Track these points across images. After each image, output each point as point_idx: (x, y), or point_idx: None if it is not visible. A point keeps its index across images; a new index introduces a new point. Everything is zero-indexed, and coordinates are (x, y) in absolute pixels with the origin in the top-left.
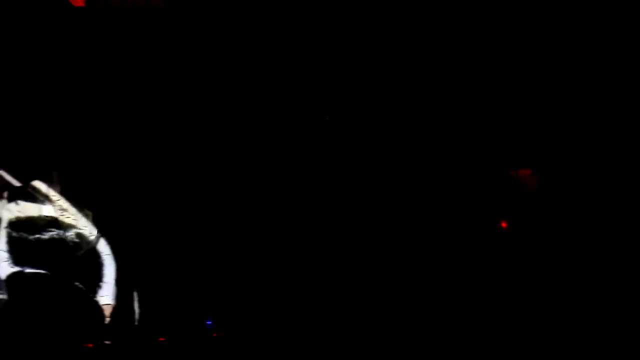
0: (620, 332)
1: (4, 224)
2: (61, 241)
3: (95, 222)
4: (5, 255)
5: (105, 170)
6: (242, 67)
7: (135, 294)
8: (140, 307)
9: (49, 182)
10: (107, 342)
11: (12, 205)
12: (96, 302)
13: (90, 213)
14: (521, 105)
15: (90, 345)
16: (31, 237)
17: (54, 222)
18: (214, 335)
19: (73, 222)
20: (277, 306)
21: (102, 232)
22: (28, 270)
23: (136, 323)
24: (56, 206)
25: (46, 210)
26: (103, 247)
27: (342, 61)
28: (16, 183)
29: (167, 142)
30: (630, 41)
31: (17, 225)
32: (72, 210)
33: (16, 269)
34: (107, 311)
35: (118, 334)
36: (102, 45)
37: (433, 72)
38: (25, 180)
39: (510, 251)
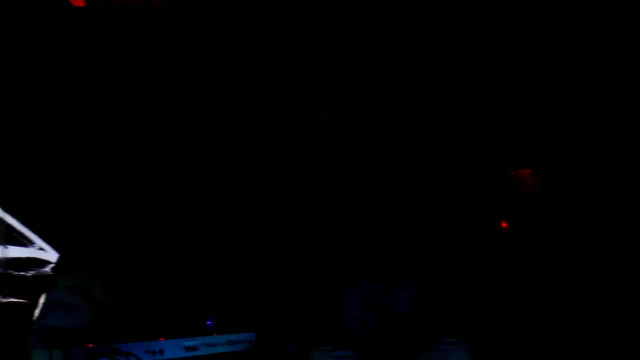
0: (620, 332)
1: None
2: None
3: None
4: None
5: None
6: (242, 67)
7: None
8: (140, 307)
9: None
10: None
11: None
12: None
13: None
14: (521, 105)
15: (91, 345)
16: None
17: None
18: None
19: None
20: (276, 305)
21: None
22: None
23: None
24: (36, 246)
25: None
26: None
27: (342, 61)
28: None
29: (167, 142)
30: (630, 41)
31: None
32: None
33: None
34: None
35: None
36: (102, 45)
37: (433, 72)
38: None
39: (510, 251)
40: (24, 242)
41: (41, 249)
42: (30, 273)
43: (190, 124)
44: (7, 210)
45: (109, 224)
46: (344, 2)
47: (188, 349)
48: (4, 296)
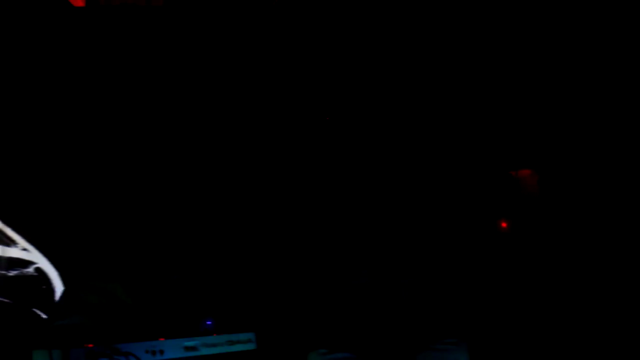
0: (620, 332)
1: None
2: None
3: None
4: None
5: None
6: (242, 67)
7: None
8: (140, 307)
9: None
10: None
11: None
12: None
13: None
14: (521, 105)
15: (91, 345)
16: None
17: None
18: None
19: (34, 259)
20: (276, 305)
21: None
22: None
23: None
24: (19, 246)
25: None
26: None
27: (341, 61)
28: None
29: (167, 142)
30: (630, 41)
31: None
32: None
33: None
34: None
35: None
36: (102, 45)
37: (433, 72)
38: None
39: (510, 251)
40: (7, 242)
41: (25, 249)
42: (12, 273)
43: (191, 124)
44: None
45: (104, 226)
46: (344, 2)
47: (188, 349)
48: None
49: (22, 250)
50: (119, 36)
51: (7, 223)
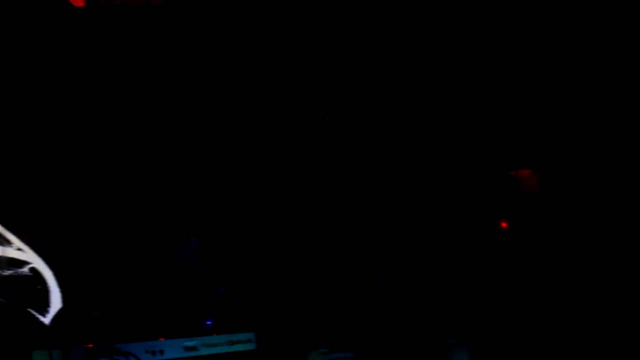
0: (620, 332)
1: None
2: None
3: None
4: None
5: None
6: (241, 67)
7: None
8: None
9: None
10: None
11: None
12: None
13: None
14: (521, 105)
15: (91, 345)
16: None
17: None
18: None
19: (28, 259)
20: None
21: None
22: None
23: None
24: (14, 246)
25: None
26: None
27: (341, 62)
28: None
29: (167, 142)
30: (630, 42)
31: None
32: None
33: None
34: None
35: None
36: (102, 45)
37: (434, 73)
38: None
39: (510, 251)
40: (1, 241)
41: (19, 249)
42: (6, 273)
43: (190, 124)
44: None
45: (103, 226)
46: (344, 2)
47: (188, 349)
48: None
49: (17, 250)
50: (119, 36)
51: (6, 226)
